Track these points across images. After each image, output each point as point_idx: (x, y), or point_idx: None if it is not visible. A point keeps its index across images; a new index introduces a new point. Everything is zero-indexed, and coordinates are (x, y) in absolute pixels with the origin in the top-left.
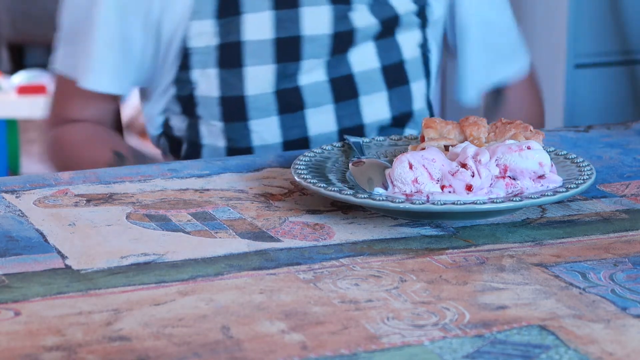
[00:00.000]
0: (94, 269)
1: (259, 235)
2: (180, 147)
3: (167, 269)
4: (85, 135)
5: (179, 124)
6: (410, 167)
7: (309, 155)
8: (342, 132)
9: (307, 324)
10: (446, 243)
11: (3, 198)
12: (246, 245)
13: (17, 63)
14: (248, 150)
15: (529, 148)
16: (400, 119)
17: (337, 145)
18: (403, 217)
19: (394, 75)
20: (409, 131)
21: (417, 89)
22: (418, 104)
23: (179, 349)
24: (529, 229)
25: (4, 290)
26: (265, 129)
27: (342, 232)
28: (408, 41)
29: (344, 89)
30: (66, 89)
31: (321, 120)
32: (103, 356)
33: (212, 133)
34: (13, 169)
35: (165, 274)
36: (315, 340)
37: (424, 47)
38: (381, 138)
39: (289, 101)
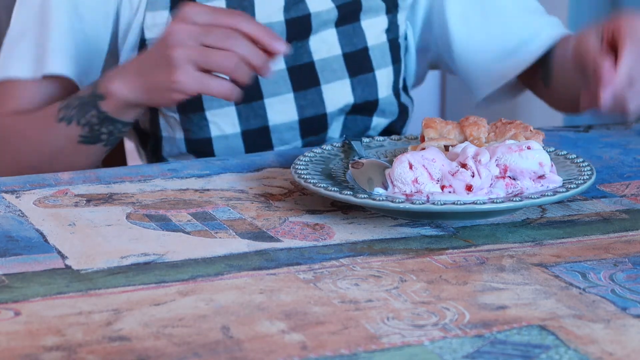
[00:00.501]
0: (94, 269)
1: (259, 235)
2: (148, 140)
3: (167, 269)
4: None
5: (142, 117)
6: (410, 167)
7: (309, 155)
8: (304, 122)
9: (307, 324)
10: (446, 243)
11: (3, 198)
12: (246, 245)
13: None
14: (206, 141)
15: (529, 148)
16: (365, 107)
17: (337, 145)
18: (403, 217)
19: (357, 63)
20: (376, 119)
21: (383, 76)
22: (383, 91)
23: (179, 349)
24: (529, 229)
25: (4, 290)
26: (223, 120)
27: (342, 232)
28: (373, 27)
29: (305, 77)
30: (8, 89)
31: (281, 109)
32: (103, 356)
33: (170, 125)
34: None
35: (165, 274)
36: (315, 340)
37: (392, 32)
38: (381, 138)
39: (246, 91)
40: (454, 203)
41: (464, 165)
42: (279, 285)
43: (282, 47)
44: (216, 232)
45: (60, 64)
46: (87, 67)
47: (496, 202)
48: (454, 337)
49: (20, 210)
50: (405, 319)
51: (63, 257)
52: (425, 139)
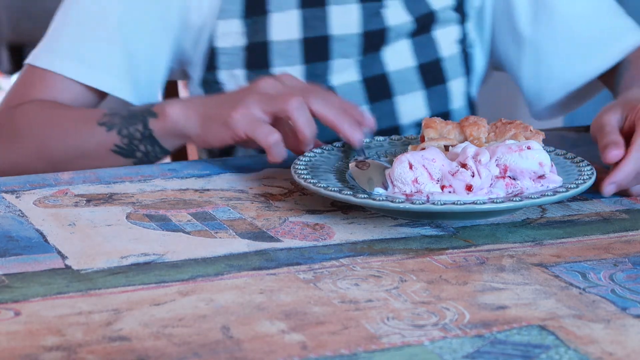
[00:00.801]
0: (94, 269)
1: (259, 235)
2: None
3: (167, 269)
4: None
5: None
6: (410, 167)
7: (309, 155)
8: (378, 134)
9: (307, 324)
10: (446, 243)
11: (3, 198)
12: (246, 245)
13: (17, 63)
14: None
15: (529, 148)
16: None
17: (337, 145)
18: (403, 217)
19: (431, 74)
20: None
21: (456, 87)
22: (457, 102)
23: (179, 349)
24: (529, 229)
25: (4, 290)
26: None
27: (342, 232)
28: (445, 38)
29: (378, 89)
30: (39, 77)
31: None
32: (103, 356)
33: None
34: None
35: (165, 274)
36: (315, 340)
37: (464, 42)
38: (381, 138)
39: None
40: (454, 203)
41: (464, 165)
42: (279, 285)
43: (370, 121)
44: (216, 232)
45: (75, 68)
46: (128, 80)
47: (496, 202)
48: (454, 337)
49: (20, 210)
50: (405, 319)
51: (63, 257)
52: (425, 139)
